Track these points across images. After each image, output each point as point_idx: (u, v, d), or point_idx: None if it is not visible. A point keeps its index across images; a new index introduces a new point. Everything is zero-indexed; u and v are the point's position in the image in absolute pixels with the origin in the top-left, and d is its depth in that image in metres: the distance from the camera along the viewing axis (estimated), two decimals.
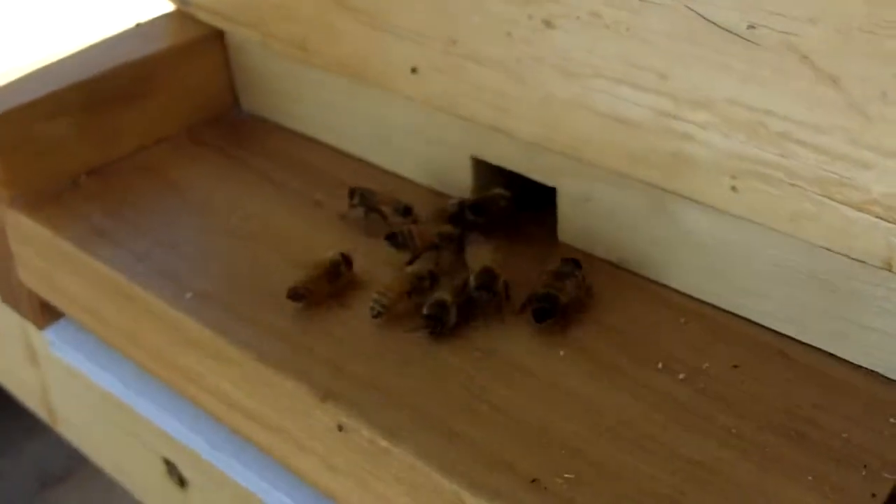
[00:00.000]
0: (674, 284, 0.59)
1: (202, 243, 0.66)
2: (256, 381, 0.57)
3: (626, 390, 0.53)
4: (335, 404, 0.53)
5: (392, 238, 0.62)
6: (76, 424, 0.92)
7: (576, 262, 0.59)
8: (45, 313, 0.74)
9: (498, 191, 0.64)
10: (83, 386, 0.83)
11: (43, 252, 0.69)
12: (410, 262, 0.61)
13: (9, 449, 1.65)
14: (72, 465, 1.61)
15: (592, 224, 0.62)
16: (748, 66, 0.50)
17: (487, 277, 0.57)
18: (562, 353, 0.56)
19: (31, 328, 0.86)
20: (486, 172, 0.66)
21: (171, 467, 0.82)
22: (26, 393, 0.97)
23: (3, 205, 0.70)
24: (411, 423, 0.52)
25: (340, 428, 0.53)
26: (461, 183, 0.67)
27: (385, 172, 0.72)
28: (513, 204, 0.64)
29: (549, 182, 0.63)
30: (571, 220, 0.63)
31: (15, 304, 0.75)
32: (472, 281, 0.58)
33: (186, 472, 0.81)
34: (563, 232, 0.64)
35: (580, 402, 0.53)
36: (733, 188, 0.53)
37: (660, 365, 0.54)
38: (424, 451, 0.50)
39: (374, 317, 0.57)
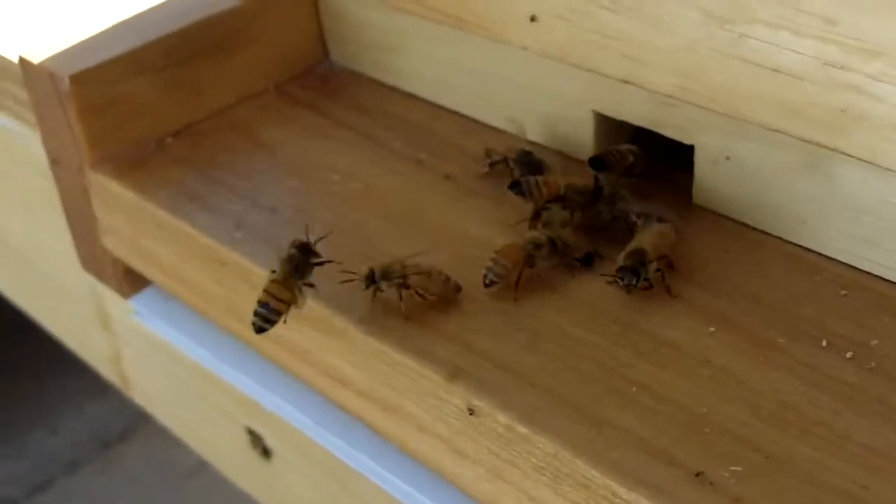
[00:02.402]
0: (830, 252, 0.54)
1: (302, 206, 0.61)
2: (371, 358, 0.52)
3: (786, 369, 0.48)
4: (464, 385, 0.48)
5: (516, 186, 0.56)
6: (152, 392, 0.88)
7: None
8: (130, 281, 0.70)
9: (626, 146, 0.59)
10: (165, 355, 0.79)
11: (131, 218, 0.65)
12: (534, 216, 0.56)
13: (70, 409, 1.64)
14: (133, 425, 1.60)
15: (733, 185, 0.56)
16: None
17: (637, 260, 0.52)
18: (711, 328, 0.51)
19: (105, 293, 0.82)
20: (611, 129, 0.61)
21: (255, 438, 0.79)
22: (95, 357, 0.93)
23: (87, 168, 0.66)
24: (551, 406, 0.47)
25: (471, 411, 0.48)
26: (581, 141, 0.62)
27: (492, 130, 0.66)
28: (644, 161, 0.59)
29: (685, 139, 0.57)
30: (709, 181, 0.57)
31: (98, 272, 0.71)
32: (620, 260, 0.52)
33: (272, 443, 0.77)
34: (698, 194, 0.58)
35: (736, 382, 0.48)
36: None
37: (824, 342, 0.49)
38: (569, 438, 0.45)
39: (487, 286, 0.52)
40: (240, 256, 0.57)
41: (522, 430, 0.46)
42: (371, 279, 0.52)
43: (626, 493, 0.43)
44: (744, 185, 0.56)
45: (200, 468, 1.51)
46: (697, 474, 0.44)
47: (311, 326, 0.55)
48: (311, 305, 0.53)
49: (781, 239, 0.56)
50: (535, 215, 0.57)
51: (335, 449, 0.58)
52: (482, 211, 0.60)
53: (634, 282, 0.51)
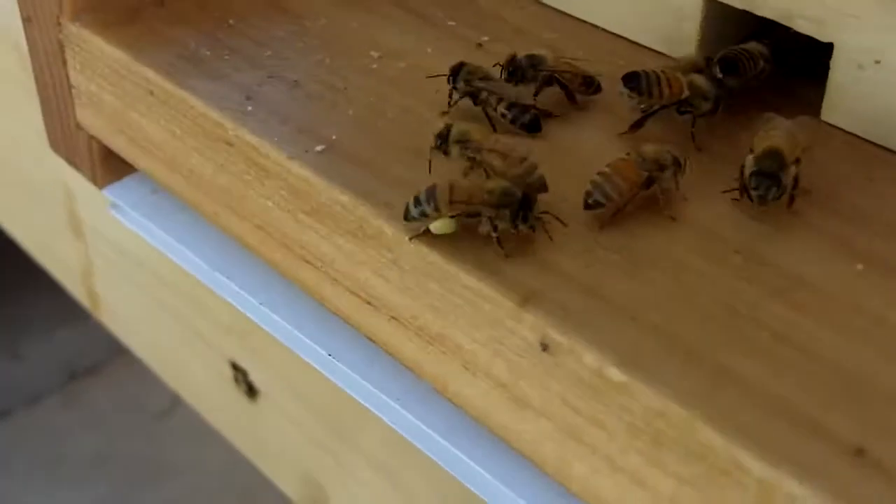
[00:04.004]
0: None
1: (333, 82, 0.49)
2: (416, 270, 0.40)
3: None
4: (540, 312, 0.36)
5: (633, 80, 0.44)
6: (124, 314, 0.77)
7: None
8: (108, 167, 0.57)
9: (755, 44, 0.47)
10: (141, 266, 0.68)
11: (116, 84, 0.52)
12: (641, 120, 0.44)
13: (39, 334, 1.52)
14: (105, 357, 1.48)
15: (881, 99, 0.44)
16: None
17: (774, 163, 0.40)
18: (859, 266, 0.39)
19: (79, 191, 0.71)
20: (724, 22, 0.49)
21: (239, 373, 0.68)
22: (64, 271, 0.82)
23: (65, 19, 0.53)
24: (657, 348, 0.35)
25: (545, 347, 0.36)
26: (684, 37, 0.50)
27: (574, 20, 0.54)
28: (772, 66, 0.47)
29: (822, 35, 0.45)
30: (847, 92, 0.45)
31: (69, 154, 0.59)
32: (749, 165, 0.40)
33: (259, 380, 0.66)
34: (832, 109, 0.46)
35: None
36: None
37: None
38: (683, 390, 0.34)
39: (589, 206, 0.40)
40: (248, 133, 0.45)
41: (617, 375, 0.34)
42: (443, 139, 0.40)
43: (762, 470, 0.31)
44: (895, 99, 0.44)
45: (172, 410, 1.40)
46: (858, 452, 0.32)
47: (335, 226, 0.43)
48: (336, 198, 0.41)
49: None
50: (640, 122, 0.45)
51: (347, 384, 0.46)
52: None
53: (776, 191, 0.39)
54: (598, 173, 0.41)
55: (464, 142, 0.41)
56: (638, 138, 0.45)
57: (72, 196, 0.74)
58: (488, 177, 0.41)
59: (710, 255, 0.39)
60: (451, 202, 0.39)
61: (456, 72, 0.46)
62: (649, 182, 0.41)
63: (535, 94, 0.47)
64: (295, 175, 0.43)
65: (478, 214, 0.39)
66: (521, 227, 0.39)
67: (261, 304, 0.48)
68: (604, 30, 0.53)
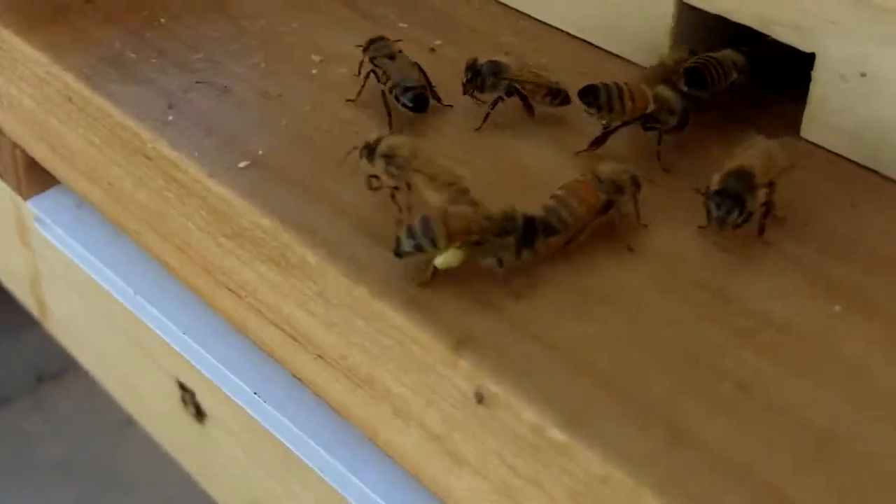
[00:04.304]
0: None
1: (267, 89, 0.45)
2: (342, 305, 0.36)
3: None
4: (475, 358, 0.32)
5: (590, 94, 0.40)
6: (71, 326, 0.72)
7: None
8: (33, 178, 0.53)
9: (728, 53, 0.42)
10: (80, 278, 0.63)
11: (37, 88, 0.48)
12: (602, 138, 0.40)
13: (4, 337, 1.48)
14: (74, 361, 1.43)
15: (866, 114, 0.40)
16: None
17: (739, 184, 0.36)
18: (836, 307, 0.35)
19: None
20: (696, 28, 0.45)
21: (186, 393, 0.64)
22: (13, 279, 0.77)
23: None
24: (606, 403, 0.31)
25: (480, 398, 0.32)
26: (655, 45, 0.45)
27: (536, 23, 0.50)
28: (747, 77, 0.43)
29: (803, 44, 0.41)
30: (831, 107, 0.41)
31: None
32: (713, 184, 0.36)
33: (205, 403, 0.62)
34: (812, 124, 0.42)
35: (881, 389, 0.32)
36: None
37: None
38: (630, 454, 0.29)
39: (543, 234, 0.36)
40: (167, 146, 0.41)
41: (558, 434, 0.30)
42: (370, 150, 0.36)
43: None
44: (881, 115, 0.40)
45: None
46: None
47: (257, 252, 0.38)
48: (257, 222, 0.37)
49: None
50: (600, 139, 0.41)
51: (277, 429, 0.41)
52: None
53: (737, 216, 0.35)
54: (552, 196, 0.36)
55: (390, 157, 0.37)
56: (600, 157, 0.41)
57: (17, 203, 0.70)
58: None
59: (670, 291, 0.35)
60: (448, 234, 0.35)
61: (371, 43, 0.44)
62: (607, 206, 0.37)
63: (493, 105, 0.43)
64: (214, 194, 0.39)
65: (479, 243, 0.35)
66: (526, 255, 0.35)
67: (184, 332, 0.44)
68: (569, 34, 0.49)
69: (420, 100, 0.42)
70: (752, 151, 0.37)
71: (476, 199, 0.36)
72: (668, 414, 0.31)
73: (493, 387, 0.31)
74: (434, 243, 0.34)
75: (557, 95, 0.43)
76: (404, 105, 0.42)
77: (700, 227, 0.37)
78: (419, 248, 0.34)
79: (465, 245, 0.35)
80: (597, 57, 0.48)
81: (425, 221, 0.34)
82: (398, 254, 0.35)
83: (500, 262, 0.35)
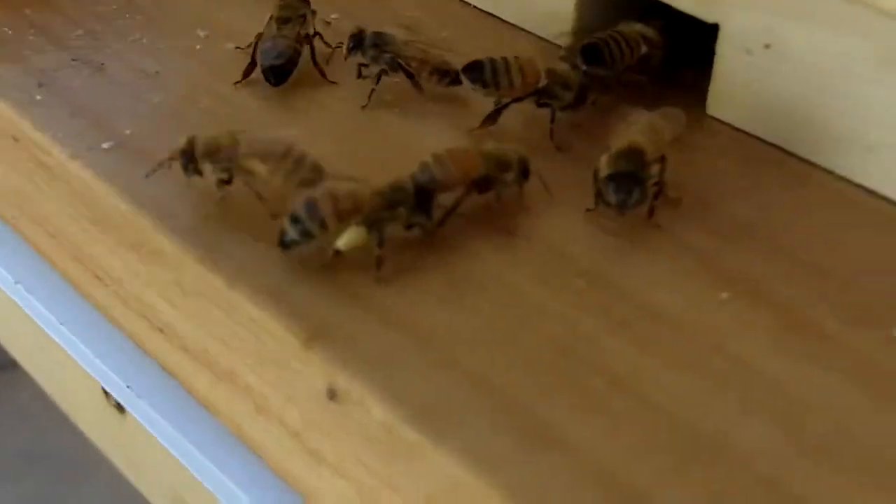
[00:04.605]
0: None
1: (145, 66, 0.42)
2: (199, 294, 0.33)
3: (840, 370, 0.30)
4: (327, 353, 0.30)
5: (474, 70, 0.37)
6: None
7: None
8: None
9: (639, 26, 0.40)
10: None
11: None
12: (494, 115, 0.38)
13: None
14: None
15: (771, 89, 0.38)
16: None
17: (631, 163, 0.33)
18: (724, 294, 0.32)
19: None
20: (601, 1, 0.42)
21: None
22: None
23: None
24: (468, 399, 0.29)
25: (332, 395, 0.30)
26: (560, 17, 0.43)
27: None
28: (662, 52, 0.40)
29: (706, 14, 0.39)
30: (735, 81, 0.39)
31: None
32: (603, 166, 0.34)
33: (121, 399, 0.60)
34: (717, 99, 0.40)
35: (766, 383, 0.30)
36: None
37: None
38: (486, 456, 0.27)
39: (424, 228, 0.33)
40: (31, 127, 0.38)
41: (409, 433, 0.28)
42: (188, 157, 0.33)
43: None
44: (787, 89, 0.38)
45: None
46: None
47: (121, 238, 0.36)
48: (116, 206, 0.35)
49: (835, 174, 0.38)
50: (492, 116, 0.39)
51: (149, 423, 0.39)
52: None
53: (639, 194, 0.33)
54: (432, 154, 0.34)
55: (212, 154, 0.34)
56: (494, 136, 0.38)
57: None
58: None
59: (548, 278, 0.33)
60: (338, 213, 0.32)
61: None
62: (486, 183, 0.35)
63: (377, 80, 0.40)
64: (76, 177, 0.37)
65: (378, 221, 0.32)
66: (427, 223, 0.33)
67: (62, 323, 0.42)
68: (477, 8, 0.47)
69: (272, 72, 0.39)
70: (637, 127, 0.35)
71: (317, 162, 0.33)
72: (533, 412, 0.28)
73: (344, 382, 0.29)
74: (324, 226, 0.32)
75: (446, 75, 0.40)
76: (267, 79, 0.39)
77: (588, 209, 0.35)
78: (307, 234, 0.32)
79: (361, 223, 0.32)
80: (504, 32, 0.46)
81: (310, 204, 0.32)
82: (284, 244, 0.32)
83: (381, 242, 0.32)
